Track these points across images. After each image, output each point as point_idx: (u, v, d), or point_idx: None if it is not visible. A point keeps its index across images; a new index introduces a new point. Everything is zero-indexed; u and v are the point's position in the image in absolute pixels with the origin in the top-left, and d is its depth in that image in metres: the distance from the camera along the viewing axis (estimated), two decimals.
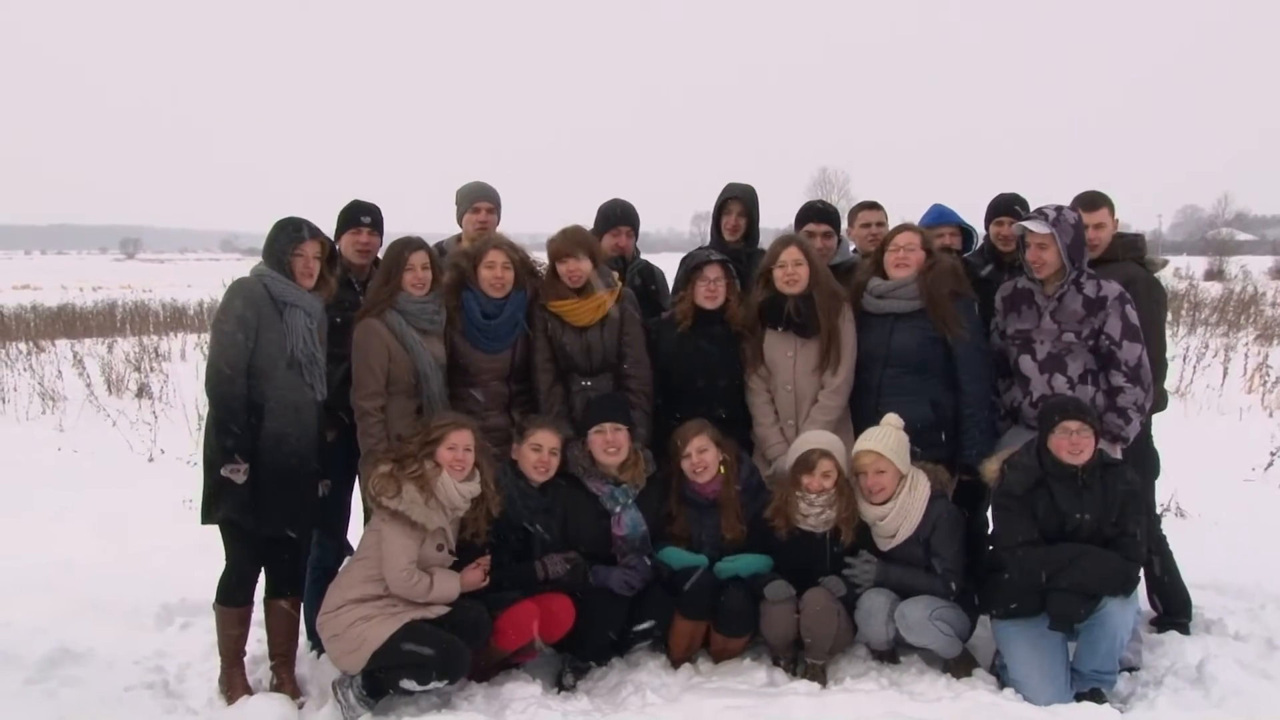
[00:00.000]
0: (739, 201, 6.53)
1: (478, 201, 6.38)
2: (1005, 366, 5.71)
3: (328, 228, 5.53)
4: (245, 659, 5.38)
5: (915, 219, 6.48)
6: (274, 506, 5.08)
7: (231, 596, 5.27)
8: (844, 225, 6.92)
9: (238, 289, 5.16)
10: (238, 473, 4.96)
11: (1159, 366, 5.81)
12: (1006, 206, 6.17)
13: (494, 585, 5.29)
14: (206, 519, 5.15)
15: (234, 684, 5.28)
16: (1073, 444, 5.03)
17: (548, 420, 5.59)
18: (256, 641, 5.76)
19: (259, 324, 5.05)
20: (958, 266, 5.83)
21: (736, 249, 6.37)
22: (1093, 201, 5.77)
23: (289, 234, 5.19)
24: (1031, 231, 5.39)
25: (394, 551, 5.07)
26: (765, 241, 6.33)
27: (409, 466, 5.12)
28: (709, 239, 6.72)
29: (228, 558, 5.28)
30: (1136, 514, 5.09)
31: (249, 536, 5.17)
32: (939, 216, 6.43)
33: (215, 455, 5.00)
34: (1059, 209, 5.45)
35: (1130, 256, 5.84)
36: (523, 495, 5.47)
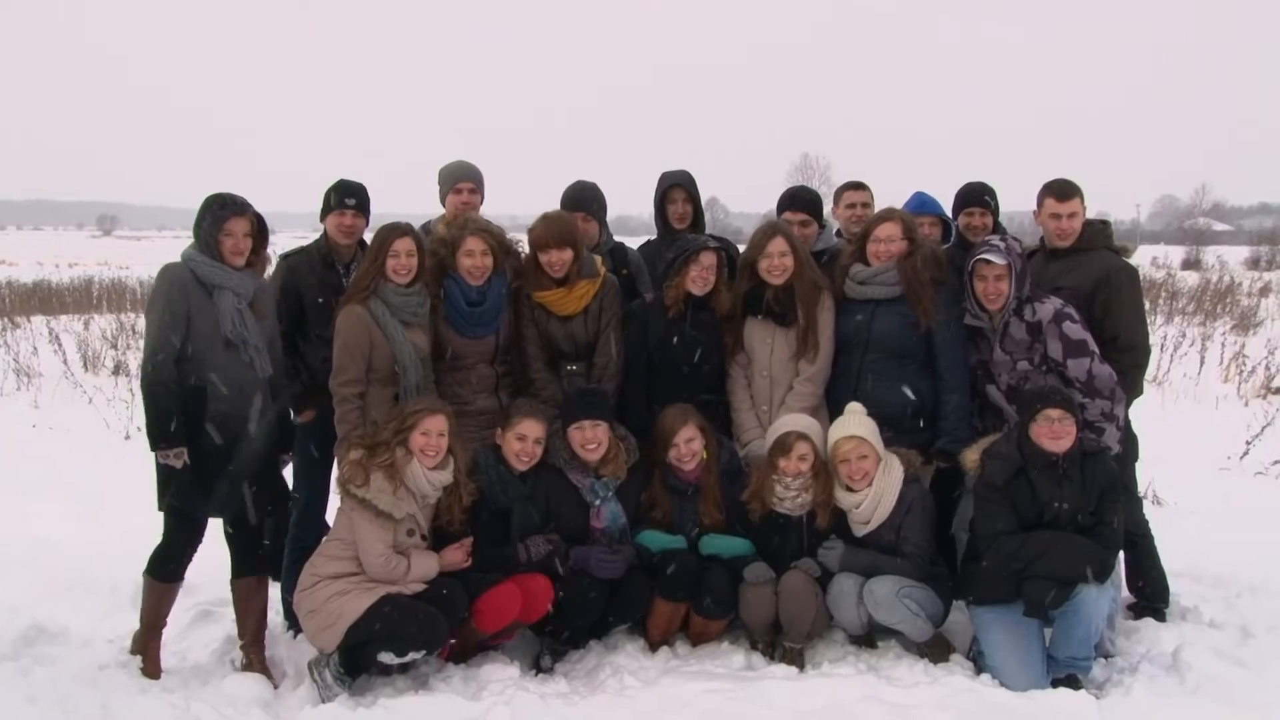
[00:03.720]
0: (682, 188, 6.44)
1: (460, 182, 6.29)
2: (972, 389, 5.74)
3: (311, 206, 5.48)
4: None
5: (893, 203, 6.48)
6: (223, 488, 5.07)
7: (162, 571, 5.28)
8: (828, 208, 6.88)
9: (164, 275, 5.12)
10: (170, 457, 4.95)
11: (1143, 353, 5.81)
12: (976, 196, 6.18)
13: (475, 567, 5.28)
14: (160, 505, 5.17)
15: (151, 656, 5.29)
16: (1054, 432, 5.04)
17: (534, 408, 5.53)
18: (231, 621, 5.75)
19: (189, 309, 5.00)
20: (939, 253, 5.83)
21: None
22: (1065, 190, 5.74)
23: (214, 212, 5.10)
24: (991, 263, 5.40)
25: (368, 539, 5.06)
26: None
27: (380, 454, 5.10)
28: (655, 230, 6.65)
29: (164, 536, 5.24)
30: (1115, 502, 5.11)
31: (190, 519, 5.16)
32: (919, 206, 6.37)
33: (151, 443, 4.98)
34: (1003, 239, 5.55)
35: (1102, 244, 5.86)
36: (503, 481, 5.45)
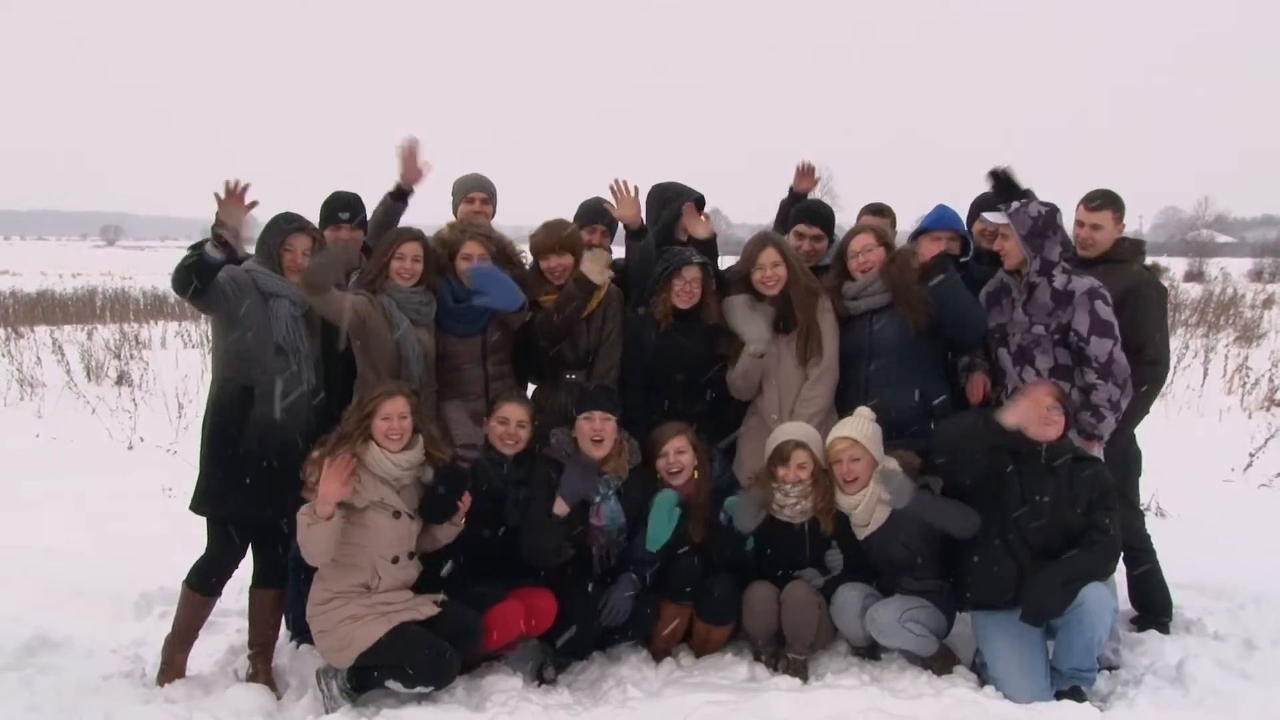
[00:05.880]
0: (696, 204, 6.45)
1: (473, 192, 6.35)
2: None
3: (310, 217, 5.51)
4: (195, 645, 5.40)
5: (902, 215, 6.47)
6: (261, 493, 5.09)
7: (203, 584, 5.30)
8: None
9: (227, 270, 5.17)
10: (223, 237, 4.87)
11: (1164, 369, 5.82)
12: (988, 205, 6.17)
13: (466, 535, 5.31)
14: (194, 506, 5.22)
15: (175, 664, 5.29)
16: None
17: (515, 394, 5.65)
18: (236, 632, 5.76)
19: (244, 303, 5.09)
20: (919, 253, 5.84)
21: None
22: (1092, 200, 5.77)
23: (280, 227, 5.26)
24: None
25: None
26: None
27: (338, 449, 5.00)
28: (655, 239, 6.67)
29: (207, 547, 5.28)
30: (1108, 510, 5.10)
31: (233, 528, 5.20)
32: (939, 219, 6.27)
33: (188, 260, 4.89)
34: (1026, 201, 5.54)
35: (1133, 258, 5.85)
36: (494, 466, 5.45)
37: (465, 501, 5.24)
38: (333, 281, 5.16)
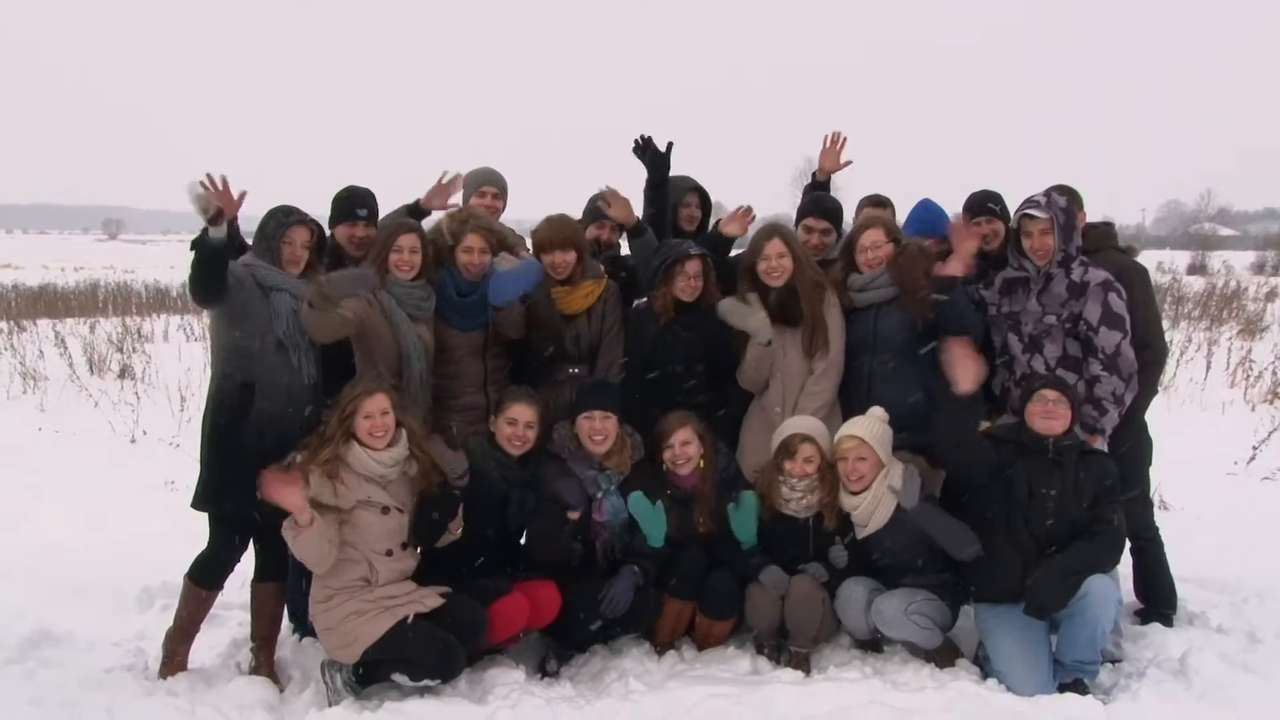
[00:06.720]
0: (697, 193, 6.59)
1: (485, 186, 6.38)
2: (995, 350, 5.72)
3: (313, 211, 5.50)
4: (197, 638, 5.41)
5: (902, 211, 6.44)
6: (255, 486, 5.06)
7: (205, 578, 5.30)
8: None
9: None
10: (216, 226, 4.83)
11: (1160, 351, 5.82)
12: (980, 206, 6.12)
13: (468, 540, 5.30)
14: (196, 504, 5.21)
15: (176, 658, 5.29)
16: (1046, 411, 5.08)
17: (524, 393, 5.55)
18: (238, 625, 5.76)
19: (243, 299, 5.07)
20: (927, 246, 5.82)
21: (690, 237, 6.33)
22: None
23: (278, 220, 5.22)
24: (1035, 218, 5.42)
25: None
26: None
27: (321, 452, 4.99)
28: (667, 230, 6.65)
29: (209, 541, 5.29)
30: (1113, 503, 5.11)
31: (234, 523, 5.19)
32: (921, 223, 6.21)
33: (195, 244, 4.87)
34: (1047, 194, 5.50)
35: (1108, 245, 5.85)
36: (500, 466, 5.43)
37: (455, 527, 5.24)
38: (341, 301, 5.15)
